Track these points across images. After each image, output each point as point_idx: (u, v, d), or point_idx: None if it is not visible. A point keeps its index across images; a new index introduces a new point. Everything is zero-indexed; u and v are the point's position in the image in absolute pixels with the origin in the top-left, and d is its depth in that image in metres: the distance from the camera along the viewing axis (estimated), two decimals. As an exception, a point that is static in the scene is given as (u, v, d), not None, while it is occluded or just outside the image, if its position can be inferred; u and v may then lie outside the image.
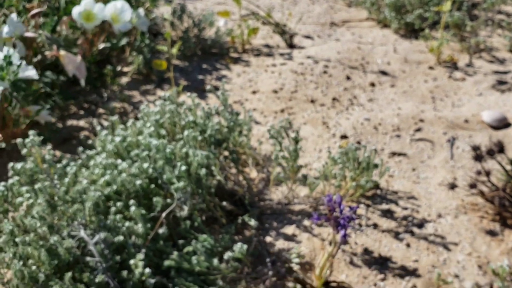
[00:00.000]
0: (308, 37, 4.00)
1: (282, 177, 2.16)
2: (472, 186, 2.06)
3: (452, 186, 2.05)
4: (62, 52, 2.88)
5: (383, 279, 1.83)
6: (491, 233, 2.00)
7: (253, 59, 3.71)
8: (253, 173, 2.46)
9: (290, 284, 1.83)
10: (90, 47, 3.23)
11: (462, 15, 3.68)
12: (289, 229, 2.08)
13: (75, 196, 1.72)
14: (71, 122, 3.07)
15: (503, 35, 3.65)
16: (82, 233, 1.59)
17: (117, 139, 2.09)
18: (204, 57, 3.79)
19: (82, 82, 2.95)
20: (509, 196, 2.02)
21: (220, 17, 4.12)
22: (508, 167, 2.10)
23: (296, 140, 2.12)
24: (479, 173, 2.10)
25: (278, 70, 3.49)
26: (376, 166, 2.12)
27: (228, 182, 2.22)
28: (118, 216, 1.76)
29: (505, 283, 1.63)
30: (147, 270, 1.59)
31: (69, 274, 1.46)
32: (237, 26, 3.87)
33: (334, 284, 1.82)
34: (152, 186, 1.94)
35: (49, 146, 1.99)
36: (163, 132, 2.17)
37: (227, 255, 1.73)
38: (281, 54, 3.73)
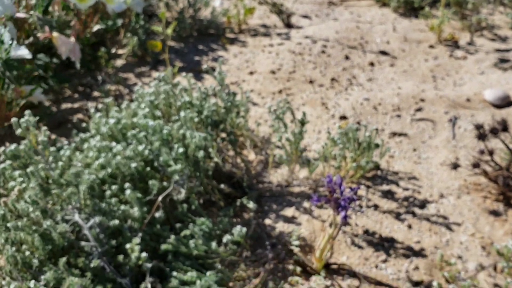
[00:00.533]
0: (305, 16, 3.92)
1: (285, 159, 2.11)
2: (476, 165, 2.02)
3: (455, 166, 2.01)
4: (55, 34, 2.80)
5: (384, 261, 1.80)
6: (495, 213, 1.96)
7: (250, 39, 3.64)
8: (251, 155, 2.42)
9: (290, 267, 1.80)
10: (84, 29, 3.16)
11: (463, -8, 3.61)
12: (289, 211, 2.04)
13: (69, 179, 1.68)
14: (66, 106, 3.01)
15: (505, 12, 3.58)
16: (77, 217, 1.55)
17: (111, 121, 2.04)
18: (200, 38, 3.71)
19: (77, 64, 2.88)
20: (513, 176, 1.98)
21: (216, -3, 4.04)
22: (511, 146, 2.06)
23: (302, 122, 2.05)
24: (482, 152, 2.06)
25: (275, 50, 3.42)
26: (377, 146, 2.08)
27: (225, 164, 2.17)
28: (114, 200, 1.72)
29: (510, 264, 1.60)
30: (144, 254, 1.56)
31: (63, 259, 1.42)
32: (233, 6, 3.79)
33: (335, 266, 1.79)
34: (148, 169, 1.89)
35: (44, 127, 1.93)
36: (158, 113, 2.12)
37: (226, 238, 1.70)
38: (279, 34, 3.66)
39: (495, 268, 1.74)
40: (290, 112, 2.18)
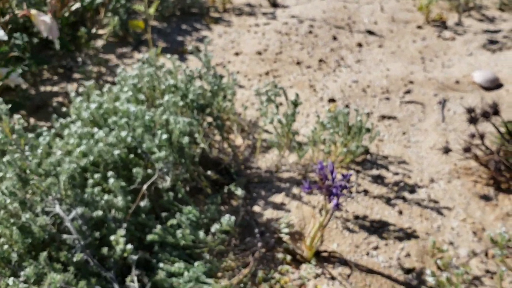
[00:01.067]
0: (292, -5, 3.83)
1: (275, 143, 2.05)
2: (467, 149, 1.99)
3: (446, 150, 1.98)
4: (34, 11, 2.67)
5: (375, 248, 1.77)
6: (485, 198, 1.94)
7: (235, 18, 3.54)
8: (238, 140, 2.36)
9: (280, 255, 1.75)
10: (61, 6, 3.02)
11: (452, -29, 3.54)
12: (278, 198, 2.00)
13: (49, 168, 1.60)
14: (45, 88, 2.89)
15: (493, -8, 3.54)
16: (58, 209, 1.47)
17: (93, 106, 1.95)
18: (183, 17, 3.60)
19: (56, 44, 2.76)
20: (504, 160, 1.96)
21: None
22: (502, 130, 2.03)
23: (295, 104, 1.98)
24: (472, 136, 2.03)
25: (261, 30, 3.34)
26: (368, 130, 2.03)
27: (212, 150, 2.11)
28: (96, 189, 1.65)
29: (503, 251, 1.58)
30: (129, 246, 1.50)
31: (44, 253, 1.35)
32: (218, -16, 3.67)
33: (325, 254, 1.76)
34: (131, 156, 1.82)
35: (18, 116, 1.83)
36: (141, 97, 2.03)
37: (214, 227, 1.64)
38: (264, 14, 3.56)
39: (486, 254, 1.73)
40: (281, 93, 2.11)
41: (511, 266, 1.67)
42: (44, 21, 2.68)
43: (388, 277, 1.66)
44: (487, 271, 1.68)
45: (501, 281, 1.62)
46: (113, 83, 2.70)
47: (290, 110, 1.95)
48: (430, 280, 1.59)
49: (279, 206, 1.96)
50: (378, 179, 2.07)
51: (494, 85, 2.59)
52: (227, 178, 2.05)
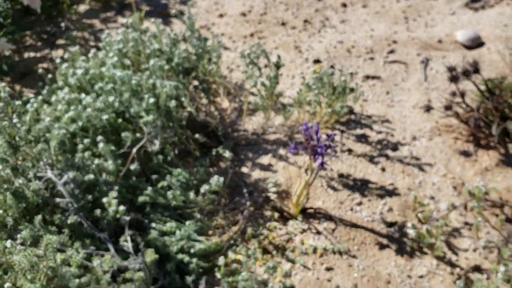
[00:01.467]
0: (276, -45, 3.77)
1: (260, 105, 2.08)
2: (448, 107, 2.04)
3: (428, 109, 2.03)
4: (11, -23, 2.62)
5: (359, 204, 1.84)
6: (465, 154, 2.01)
7: (219, -20, 3.49)
8: (225, 103, 2.38)
9: (268, 213, 1.82)
10: (41, -29, 2.96)
11: None
12: (265, 159, 2.05)
13: (38, 135, 1.62)
14: (28, 55, 2.87)
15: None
16: (49, 174, 1.51)
17: (79, 72, 1.96)
18: (166, -21, 3.55)
19: (38, 10, 2.72)
20: (484, 117, 2.02)
21: None
22: (482, 88, 2.08)
23: (278, 66, 2.00)
24: (453, 94, 2.08)
25: (245, -8, 3.31)
26: (352, 90, 2.07)
27: (199, 113, 2.14)
28: (87, 154, 1.68)
29: (480, 203, 1.66)
30: (121, 207, 1.54)
31: (39, 217, 1.39)
32: None
33: (311, 211, 1.82)
34: (120, 120, 1.84)
35: (2, 83, 1.84)
36: (127, 62, 2.04)
37: (204, 188, 1.69)
38: (248, -25, 3.52)
39: (465, 207, 1.81)
40: (264, 55, 2.13)
41: (488, 218, 1.75)
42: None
43: (371, 230, 1.74)
44: (466, 223, 1.77)
45: (477, 231, 1.71)
46: (98, 48, 2.69)
47: (273, 72, 1.97)
48: (411, 232, 1.67)
49: (266, 167, 2.01)
50: (362, 138, 2.13)
51: (476, 44, 2.63)
52: (214, 141, 2.09)
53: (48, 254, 1.17)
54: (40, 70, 2.45)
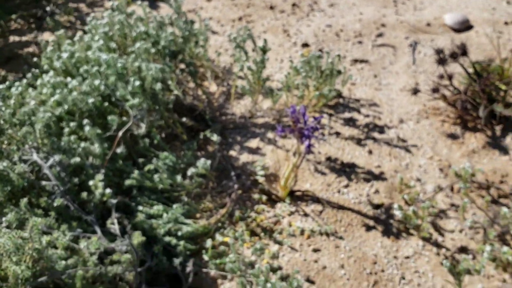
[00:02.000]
0: None
1: (247, 89, 2.07)
2: (435, 90, 2.05)
3: (415, 91, 2.04)
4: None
5: (346, 186, 1.85)
6: (452, 136, 2.02)
7: (207, -36, 3.46)
8: (213, 87, 2.37)
9: (256, 195, 1.82)
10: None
11: None
12: (253, 143, 2.04)
13: (23, 118, 1.60)
14: (14, 39, 2.83)
15: None
16: (35, 157, 1.50)
17: (65, 55, 1.93)
18: (154, -37, 3.50)
19: None
20: (471, 99, 2.03)
21: None
22: (470, 70, 2.09)
23: (264, 50, 2.00)
24: (441, 77, 2.08)
25: (234, -25, 3.27)
26: (339, 72, 2.07)
27: (186, 97, 2.12)
28: (73, 137, 1.67)
29: (466, 185, 1.67)
30: (108, 190, 1.54)
31: (24, 200, 1.38)
32: None
33: (299, 193, 1.83)
34: (106, 104, 1.83)
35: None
36: (113, 45, 2.02)
37: (190, 171, 1.69)
38: (237, -42, 3.48)
39: (452, 189, 1.82)
40: (251, 40, 2.12)
41: (474, 199, 1.77)
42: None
43: (358, 212, 1.75)
44: (452, 205, 1.78)
45: (463, 212, 1.72)
46: (84, 32, 2.66)
47: (259, 56, 1.96)
48: (398, 214, 1.68)
49: (254, 150, 2.01)
50: (350, 122, 2.13)
51: (464, 27, 2.63)
52: (202, 124, 2.09)
53: (34, 236, 1.17)
54: (25, 54, 2.42)
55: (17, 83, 1.89)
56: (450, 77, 2.04)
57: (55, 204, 1.44)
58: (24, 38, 2.84)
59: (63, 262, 1.28)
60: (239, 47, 2.03)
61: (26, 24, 2.96)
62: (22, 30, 2.93)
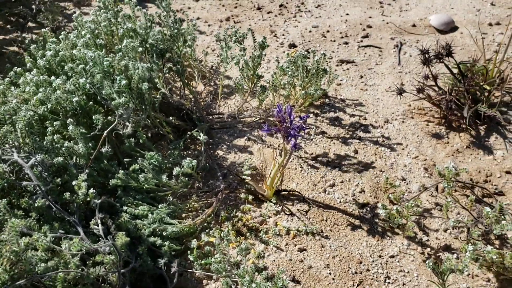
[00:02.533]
0: None
1: (240, 85, 2.04)
2: (420, 90, 2.06)
3: (400, 92, 2.04)
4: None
5: (332, 185, 1.85)
6: (437, 136, 2.04)
7: (194, -37, 3.45)
8: (200, 86, 2.36)
9: (242, 195, 1.82)
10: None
11: None
12: (240, 142, 2.04)
13: (4, 117, 1.58)
14: (-3, 38, 2.80)
15: None
16: (15, 156, 1.47)
17: (49, 53, 1.91)
18: (141, -38, 3.48)
19: None
20: (456, 99, 2.04)
21: None
22: (455, 71, 2.10)
23: (262, 46, 1.96)
24: (426, 77, 2.10)
25: (221, -25, 3.27)
26: (324, 71, 2.06)
27: (173, 96, 2.11)
28: (56, 137, 1.65)
29: (450, 184, 1.68)
30: (91, 190, 1.52)
31: (4, 201, 1.36)
32: None
33: (285, 193, 1.83)
34: (91, 103, 1.81)
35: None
36: (100, 42, 2.00)
37: (176, 170, 1.68)
38: (224, -42, 3.48)
39: (436, 189, 1.83)
40: (242, 38, 2.10)
41: (458, 198, 1.78)
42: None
43: (344, 211, 1.75)
44: (437, 204, 1.79)
45: (448, 211, 1.73)
46: (70, 31, 2.63)
47: (256, 52, 1.95)
48: (382, 213, 1.69)
49: (241, 150, 2.00)
50: (336, 121, 2.13)
51: (449, 28, 2.65)
52: (189, 124, 2.07)
53: (11, 238, 1.15)
54: (8, 53, 2.39)
55: (-1, 82, 1.87)
56: (435, 78, 2.05)
57: (36, 205, 1.42)
58: (8, 37, 2.80)
59: (43, 264, 1.26)
60: (237, 42, 2.00)
61: (10, 23, 2.92)
62: (6, 28, 2.89)
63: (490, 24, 2.67)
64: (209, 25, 2.83)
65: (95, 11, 2.09)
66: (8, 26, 2.91)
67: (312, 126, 2.10)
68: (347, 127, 2.10)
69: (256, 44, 1.94)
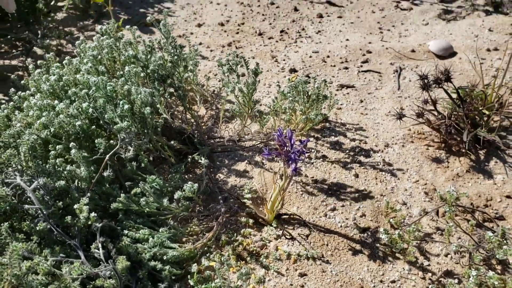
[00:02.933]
0: (254, -34, 3.82)
1: (237, 111, 2.08)
2: (419, 115, 2.08)
3: (400, 116, 2.06)
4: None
5: (333, 210, 1.85)
6: (437, 160, 2.04)
7: (197, -10, 3.52)
8: (202, 110, 2.39)
9: (243, 219, 1.82)
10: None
11: None
12: (241, 166, 2.05)
13: (8, 140, 1.60)
14: (3, 62, 2.84)
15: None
16: (18, 180, 1.49)
17: (53, 78, 1.94)
18: (145, -12, 3.56)
19: (12, 11, 2.67)
20: (455, 124, 2.06)
21: None
22: (454, 95, 2.12)
23: (256, 73, 2.00)
24: (426, 102, 2.12)
25: (223, 1, 3.33)
26: (325, 97, 2.09)
27: (175, 120, 2.13)
28: (59, 160, 1.66)
29: (451, 208, 1.69)
30: (93, 214, 1.52)
31: (6, 224, 1.37)
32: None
33: (285, 217, 1.83)
34: (93, 127, 1.83)
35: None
36: (102, 68, 2.03)
37: (177, 194, 1.69)
38: (226, -15, 3.55)
39: (437, 213, 1.83)
40: (242, 63, 2.13)
41: (459, 223, 1.78)
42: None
43: (345, 236, 1.75)
44: (438, 228, 1.79)
45: (449, 236, 1.73)
46: (74, 56, 2.67)
47: (250, 79, 1.98)
48: (384, 237, 1.69)
49: (242, 174, 2.01)
50: (336, 145, 2.15)
51: (448, 53, 2.68)
52: (191, 147, 2.09)
53: (13, 261, 1.15)
54: (13, 77, 2.41)
55: (3, 106, 1.89)
56: (434, 103, 2.07)
57: (37, 228, 1.43)
58: (13, 62, 2.85)
59: None
60: (231, 69, 2.04)
61: (16, 48, 2.97)
62: (11, 53, 2.94)
63: (488, 50, 2.70)
64: (211, 50, 2.87)
65: (97, 37, 2.13)
66: (14, 51, 2.96)
67: (313, 150, 2.12)
68: (347, 151, 2.11)
69: (249, 71, 1.98)
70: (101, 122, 1.81)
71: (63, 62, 2.11)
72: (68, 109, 1.79)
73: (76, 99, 1.80)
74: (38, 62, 2.21)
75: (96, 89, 1.79)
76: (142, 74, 1.95)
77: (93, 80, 1.74)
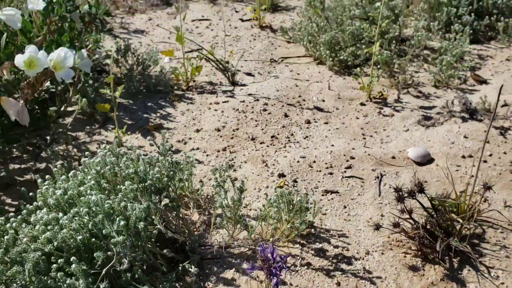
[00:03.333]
0: (249, 74, 4.17)
1: (224, 224, 2.25)
2: (395, 225, 2.24)
3: (377, 227, 2.22)
4: (3, 97, 2.88)
5: (315, 319, 1.96)
6: (413, 268, 2.18)
7: (197, 96, 3.82)
8: (195, 216, 2.56)
9: (229, 329, 1.93)
10: (33, 92, 3.24)
11: (391, 52, 3.95)
12: (229, 274, 2.19)
13: (14, 257, 1.76)
14: (14, 166, 3.06)
15: (429, 70, 3.93)
16: (22, 296, 1.63)
17: (58, 192, 2.14)
18: (149, 95, 3.87)
19: (25, 123, 2.93)
20: (429, 233, 2.21)
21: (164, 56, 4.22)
22: (428, 205, 2.29)
23: (241, 190, 2.21)
24: (402, 211, 2.28)
25: (220, 107, 3.62)
26: (307, 209, 2.27)
27: (168, 232, 2.30)
28: (60, 274, 1.81)
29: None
30: (88, 328, 1.65)
31: None
32: (181, 64, 3.97)
33: (270, 326, 1.94)
34: (93, 240, 2.00)
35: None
36: (104, 183, 2.23)
37: (167, 306, 1.82)
38: (224, 91, 3.87)
39: (411, 322, 1.94)
40: (230, 177, 2.34)
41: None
42: (14, 105, 2.89)
43: None
44: (414, 338, 1.89)
45: None
46: (79, 164, 2.89)
47: (236, 195, 2.18)
48: None
49: (229, 282, 2.15)
50: (321, 252, 2.29)
51: (426, 160, 2.89)
52: (182, 255, 2.24)
53: None
54: (23, 188, 2.62)
55: (12, 219, 2.08)
56: (410, 212, 2.24)
57: None
58: (23, 166, 3.07)
59: None
60: (219, 186, 2.24)
61: (26, 152, 3.21)
62: (22, 157, 3.17)
63: (463, 157, 2.91)
64: (207, 155, 3.09)
65: (101, 155, 2.36)
66: (24, 155, 3.20)
67: (298, 258, 2.26)
68: (331, 258, 2.25)
69: (235, 189, 2.19)
70: (100, 235, 1.98)
71: (69, 175, 2.32)
72: (71, 224, 1.96)
73: (78, 218, 1.98)
74: (47, 167, 2.43)
75: (95, 205, 1.98)
76: (139, 191, 2.15)
77: (93, 199, 1.94)
